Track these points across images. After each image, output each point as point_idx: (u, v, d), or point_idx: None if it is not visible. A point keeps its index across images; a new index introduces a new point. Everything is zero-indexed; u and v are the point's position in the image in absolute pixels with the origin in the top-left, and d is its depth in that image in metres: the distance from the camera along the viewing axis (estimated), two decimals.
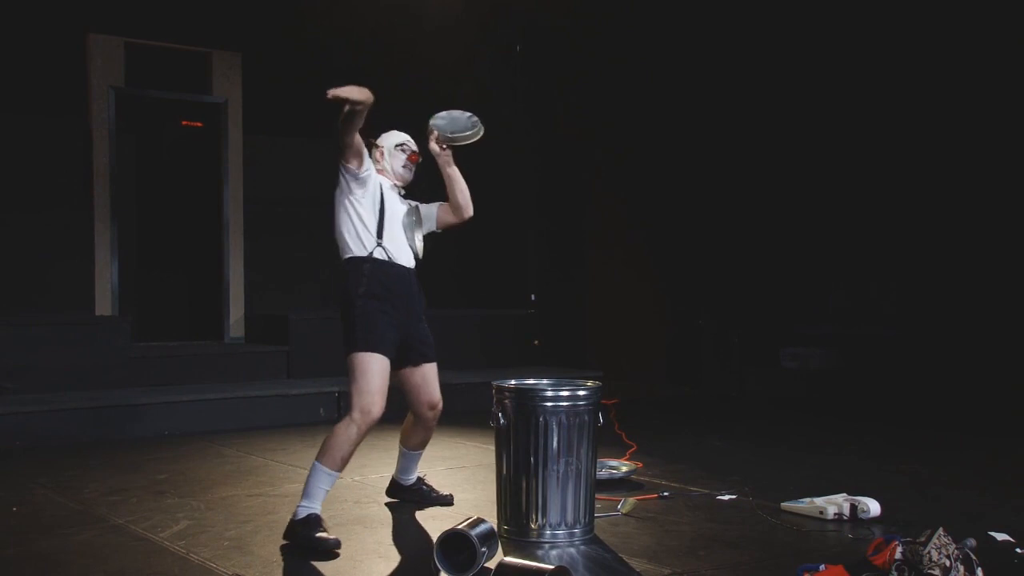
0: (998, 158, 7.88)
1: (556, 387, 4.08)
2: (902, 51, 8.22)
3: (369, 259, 4.13)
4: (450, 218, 4.50)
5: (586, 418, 4.01)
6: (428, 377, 4.34)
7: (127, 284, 8.68)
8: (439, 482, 5.13)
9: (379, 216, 4.16)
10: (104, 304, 8.46)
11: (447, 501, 4.58)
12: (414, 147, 4.44)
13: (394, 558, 3.72)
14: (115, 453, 6.05)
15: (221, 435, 6.67)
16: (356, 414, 3.93)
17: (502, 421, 4.01)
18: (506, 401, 4.02)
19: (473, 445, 6.27)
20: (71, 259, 8.26)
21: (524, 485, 3.96)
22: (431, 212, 4.50)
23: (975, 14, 7.73)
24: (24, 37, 7.94)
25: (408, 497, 4.63)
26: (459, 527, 3.53)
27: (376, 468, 5.49)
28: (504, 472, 4.05)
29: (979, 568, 3.18)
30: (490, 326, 9.43)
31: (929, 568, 3.08)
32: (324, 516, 3.95)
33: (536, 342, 9.75)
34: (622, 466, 5.14)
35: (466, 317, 9.28)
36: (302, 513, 3.88)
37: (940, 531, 3.19)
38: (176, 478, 5.28)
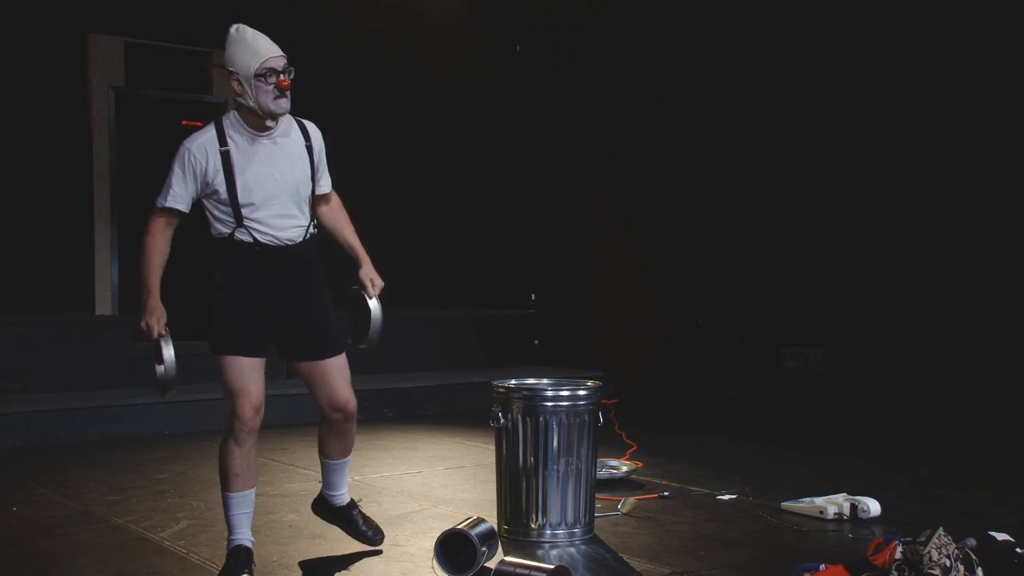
0: (997, 158, 7.88)
1: (556, 387, 4.08)
2: (901, 51, 8.21)
3: (229, 241, 3.42)
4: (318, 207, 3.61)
5: (586, 418, 4.01)
6: (328, 374, 3.54)
7: (127, 284, 8.65)
8: (439, 482, 5.13)
9: (229, 190, 3.33)
10: (104, 304, 8.44)
11: (375, 541, 3.79)
12: (281, 65, 3.33)
13: (394, 558, 3.72)
14: (115, 453, 6.04)
15: (221, 435, 6.66)
16: (227, 423, 3.48)
17: (502, 421, 4.01)
18: (506, 401, 4.02)
19: (473, 445, 6.27)
20: (71, 259, 8.24)
21: (524, 485, 3.96)
22: (321, 181, 3.58)
23: (974, 14, 7.73)
24: (24, 37, 7.93)
25: (335, 521, 3.82)
26: (459, 527, 3.53)
27: (376, 468, 5.49)
28: (504, 472, 4.05)
29: (979, 568, 3.18)
30: (490, 326, 9.41)
31: (929, 568, 3.08)
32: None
33: (536, 342, 9.74)
34: (622, 466, 5.13)
35: (466, 317, 9.26)
36: (231, 544, 3.44)
37: (940, 531, 3.19)
38: (176, 478, 5.28)
